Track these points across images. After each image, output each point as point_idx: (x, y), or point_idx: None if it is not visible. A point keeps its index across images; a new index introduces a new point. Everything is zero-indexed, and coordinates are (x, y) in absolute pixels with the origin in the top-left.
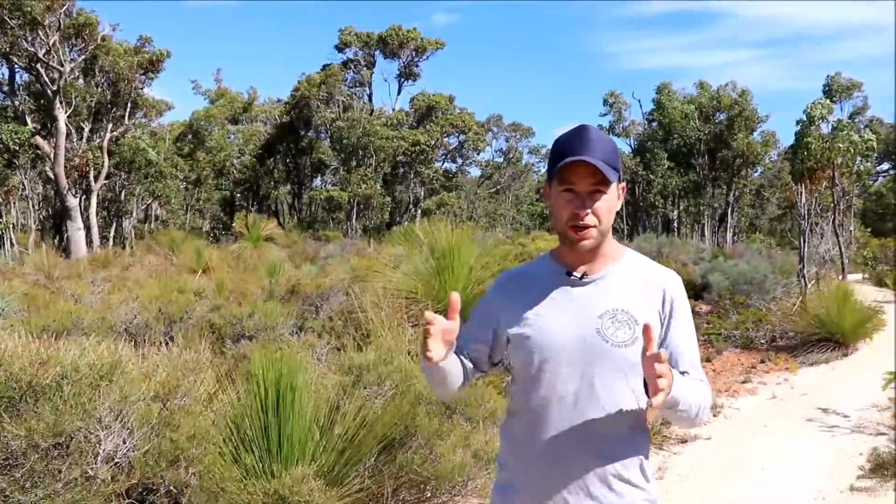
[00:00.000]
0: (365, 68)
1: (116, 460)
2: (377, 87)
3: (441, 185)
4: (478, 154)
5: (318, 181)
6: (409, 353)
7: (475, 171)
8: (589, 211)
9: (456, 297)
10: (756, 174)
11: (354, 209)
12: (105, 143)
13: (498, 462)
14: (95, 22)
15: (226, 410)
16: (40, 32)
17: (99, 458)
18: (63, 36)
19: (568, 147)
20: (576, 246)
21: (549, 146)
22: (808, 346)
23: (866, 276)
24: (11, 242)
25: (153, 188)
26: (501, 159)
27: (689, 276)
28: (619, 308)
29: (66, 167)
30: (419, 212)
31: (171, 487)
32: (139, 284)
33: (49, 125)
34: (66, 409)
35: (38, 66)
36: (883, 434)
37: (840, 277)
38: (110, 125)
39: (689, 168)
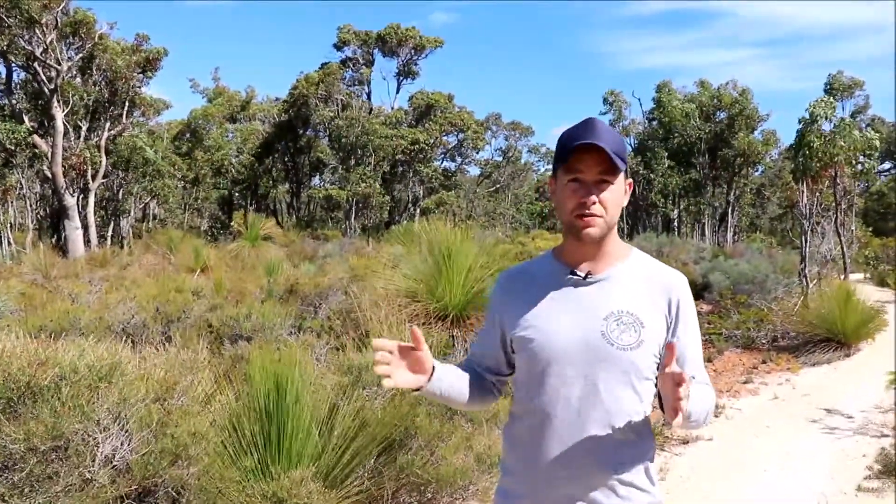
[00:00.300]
0: (364, 67)
1: (115, 463)
2: (376, 86)
3: (440, 184)
4: (477, 153)
5: (316, 180)
6: None
7: (474, 170)
8: (596, 200)
9: (417, 332)
10: (757, 173)
11: (353, 208)
12: (103, 142)
13: (501, 466)
14: (93, 20)
15: (224, 411)
16: (37, 31)
17: (97, 461)
18: (60, 34)
19: (576, 136)
20: (581, 234)
21: (550, 145)
22: (810, 347)
23: (868, 275)
24: (9, 241)
25: (151, 187)
26: (501, 158)
27: (690, 275)
28: (624, 310)
29: (63, 166)
30: (418, 211)
31: (170, 489)
32: (137, 284)
33: (46, 124)
34: (65, 412)
35: (36, 64)
36: (886, 436)
37: (842, 277)
38: (108, 124)
39: (689, 167)
